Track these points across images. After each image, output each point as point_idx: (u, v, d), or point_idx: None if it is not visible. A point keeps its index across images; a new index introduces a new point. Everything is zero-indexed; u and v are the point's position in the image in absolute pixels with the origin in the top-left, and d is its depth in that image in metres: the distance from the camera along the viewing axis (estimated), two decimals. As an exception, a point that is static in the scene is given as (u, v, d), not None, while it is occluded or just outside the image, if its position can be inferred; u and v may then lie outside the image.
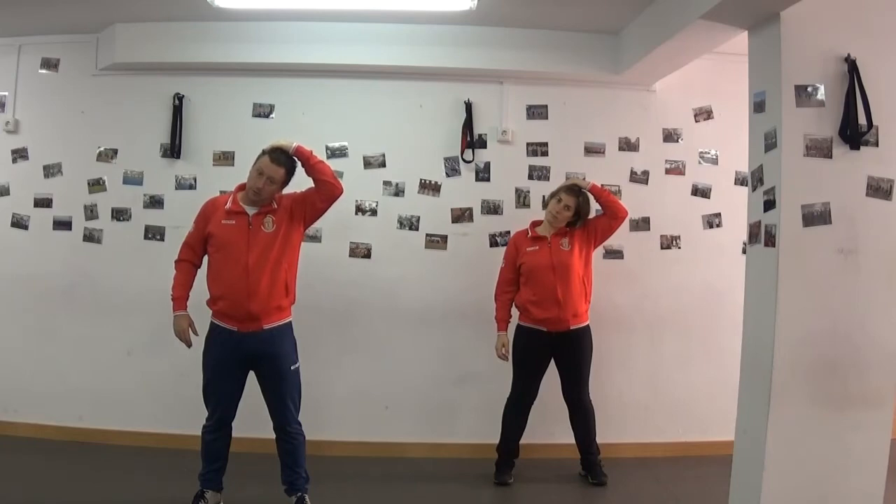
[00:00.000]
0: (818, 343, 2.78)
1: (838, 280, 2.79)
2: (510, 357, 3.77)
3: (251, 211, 3.13)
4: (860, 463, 2.80)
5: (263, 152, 3.14)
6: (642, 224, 4.25)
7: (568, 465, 3.91)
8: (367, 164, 4.22)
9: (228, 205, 3.15)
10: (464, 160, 4.22)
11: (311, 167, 3.15)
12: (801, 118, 2.78)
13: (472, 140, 4.20)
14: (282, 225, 3.13)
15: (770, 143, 2.84)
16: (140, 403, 4.17)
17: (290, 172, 3.16)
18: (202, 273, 3.21)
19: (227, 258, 3.09)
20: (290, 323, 3.22)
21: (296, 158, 3.15)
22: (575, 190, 3.76)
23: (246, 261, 3.05)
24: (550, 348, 3.74)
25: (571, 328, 3.70)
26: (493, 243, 4.21)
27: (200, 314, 3.20)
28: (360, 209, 4.21)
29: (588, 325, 3.78)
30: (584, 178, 3.94)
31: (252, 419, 3.32)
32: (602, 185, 3.87)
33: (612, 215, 3.77)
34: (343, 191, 3.22)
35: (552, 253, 3.71)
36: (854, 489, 2.79)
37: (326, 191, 3.16)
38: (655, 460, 4.11)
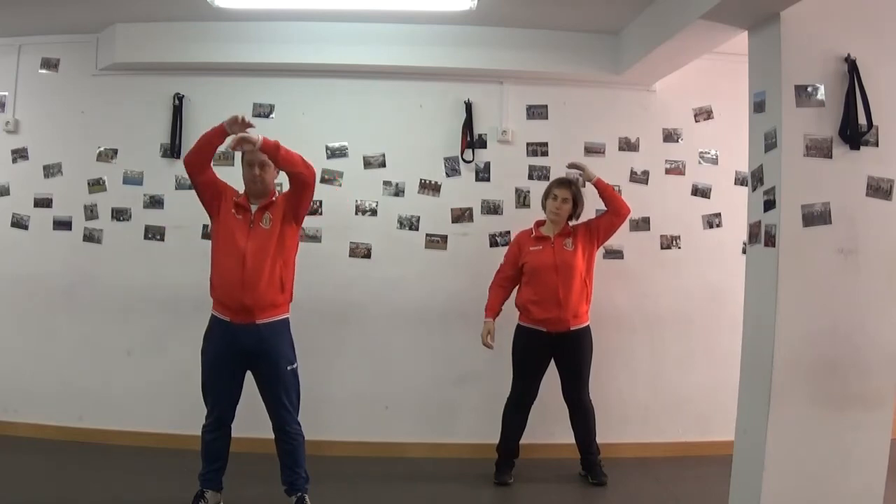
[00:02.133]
0: (818, 343, 2.78)
1: (838, 280, 2.79)
2: (493, 346, 3.75)
3: (255, 206, 3.16)
4: (860, 463, 2.80)
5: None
6: (642, 224, 4.25)
7: (568, 465, 3.91)
8: (367, 164, 4.22)
9: (237, 198, 3.17)
10: (464, 160, 4.22)
11: (280, 161, 3.08)
12: (801, 118, 2.78)
13: (472, 140, 4.21)
14: (277, 223, 3.14)
15: (770, 143, 2.84)
16: (140, 403, 4.17)
17: None
18: (203, 269, 3.24)
19: (227, 247, 3.11)
20: (286, 321, 3.22)
21: (265, 154, 3.09)
22: (565, 182, 3.76)
23: (243, 253, 3.07)
24: (550, 348, 3.74)
25: (571, 329, 3.70)
26: (493, 243, 4.21)
27: (204, 310, 3.22)
28: (360, 209, 4.21)
29: (588, 326, 3.78)
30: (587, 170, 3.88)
31: (252, 419, 3.33)
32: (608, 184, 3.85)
33: (615, 212, 3.76)
34: (315, 173, 3.17)
35: (555, 253, 3.71)
36: (854, 489, 2.79)
37: (299, 182, 3.13)
38: (655, 460, 4.11)
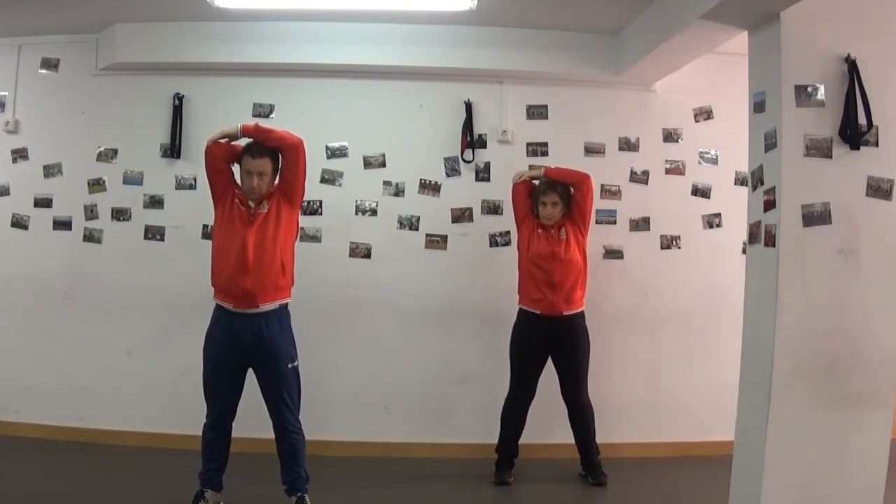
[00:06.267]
0: (818, 343, 2.77)
1: (838, 280, 2.79)
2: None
3: (253, 202, 3.19)
4: (860, 463, 2.80)
5: (241, 153, 3.19)
6: (642, 224, 4.25)
7: (568, 465, 3.90)
8: (367, 164, 4.22)
9: (237, 199, 3.20)
10: (464, 160, 4.22)
11: (269, 140, 3.18)
12: (801, 118, 2.78)
13: (472, 140, 4.20)
14: (275, 206, 3.18)
15: (770, 143, 2.84)
16: (140, 403, 4.17)
17: (275, 158, 3.19)
18: (203, 269, 3.25)
19: (229, 233, 3.14)
20: (287, 310, 3.23)
21: (249, 138, 3.19)
22: (550, 186, 3.76)
23: (244, 237, 3.09)
24: (546, 340, 3.74)
25: (565, 314, 3.71)
26: (493, 243, 4.21)
27: (203, 310, 3.24)
28: (360, 209, 4.21)
29: (582, 312, 3.78)
30: (530, 169, 3.93)
31: (252, 419, 3.32)
32: (555, 166, 3.86)
33: (576, 185, 3.78)
34: (302, 140, 3.21)
35: (551, 242, 3.72)
36: (854, 489, 2.79)
37: (291, 153, 3.19)
38: (655, 460, 4.11)
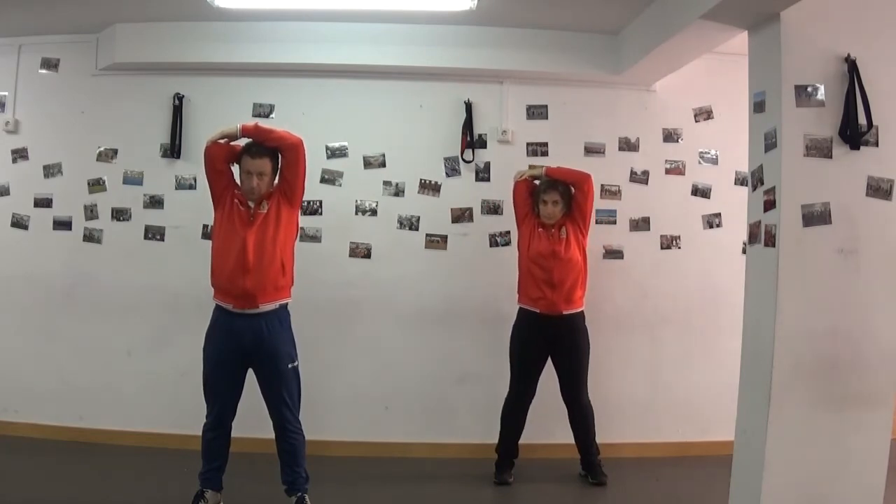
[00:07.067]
0: (818, 343, 2.78)
1: (838, 280, 2.79)
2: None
3: (253, 202, 3.19)
4: (860, 463, 2.80)
5: (241, 154, 3.20)
6: (642, 224, 4.25)
7: (568, 465, 3.90)
8: (367, 164, 4.22)
9: (238, 193, 3.21)
10: (464, 160, 4.22)
11: (268, 140, 3.18)
12: (801, 118, 2.78)
13: (472, 140, 4.21)
14: (274, 206, 3.18)
15: (770, 143, 2.84)
16: (140, 403, 4.17)
17: (274, 158, 3.19)
18: (203, 269, 3.26)
19: (228, 234, 3.14)
20: (287, 310, 3.23)
21: (249, 138, 3.19)
22: (551, 185, 3.77)
23: (244, 237, 3.10)
24: (546, 339, 3.74)
25: (564, 313, 3.71)
26: (493, 243, 4.22)
27: (204, 310, 3.24)
28: (360, 209, 4.21)
29: (582, 312, 3.78)
30: (531, 168, 3.94)
31: (252, 419, 3.33)
32: (556, 166, 3.88)
33: (577, 185, 3.79)
34: (302, 140, 3.21)
35: (551, 241, 3.73)
36: (854, 489, 2.79)
37: (291, 153, 3.19)
38: (655, 460, 4.11)
